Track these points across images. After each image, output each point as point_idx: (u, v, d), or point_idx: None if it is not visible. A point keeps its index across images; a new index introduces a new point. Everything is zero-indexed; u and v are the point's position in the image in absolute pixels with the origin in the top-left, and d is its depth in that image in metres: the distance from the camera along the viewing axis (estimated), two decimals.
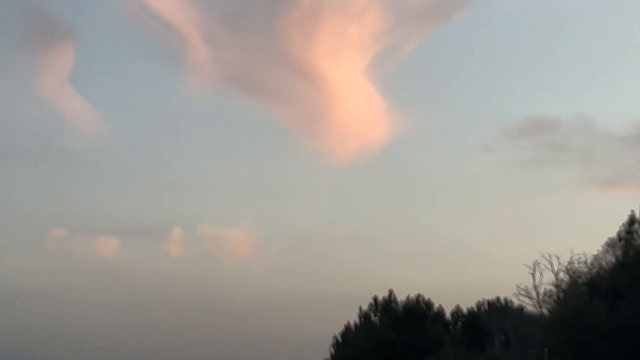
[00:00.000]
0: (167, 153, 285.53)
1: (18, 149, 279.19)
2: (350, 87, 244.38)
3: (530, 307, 72.79)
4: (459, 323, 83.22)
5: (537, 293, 70.13)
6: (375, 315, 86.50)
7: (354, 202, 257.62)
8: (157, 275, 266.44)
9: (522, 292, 71.21)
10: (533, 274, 71.07)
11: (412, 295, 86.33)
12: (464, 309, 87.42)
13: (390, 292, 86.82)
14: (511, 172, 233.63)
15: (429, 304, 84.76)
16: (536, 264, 70.52)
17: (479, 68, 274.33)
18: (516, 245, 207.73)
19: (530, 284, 73.03)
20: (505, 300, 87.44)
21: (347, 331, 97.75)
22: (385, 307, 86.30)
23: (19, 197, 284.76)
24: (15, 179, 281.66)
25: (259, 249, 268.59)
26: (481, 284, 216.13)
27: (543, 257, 70.55)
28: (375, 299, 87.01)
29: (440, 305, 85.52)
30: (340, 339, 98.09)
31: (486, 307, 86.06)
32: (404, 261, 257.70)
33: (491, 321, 76.18)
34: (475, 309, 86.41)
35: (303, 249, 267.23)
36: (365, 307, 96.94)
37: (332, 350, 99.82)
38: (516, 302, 75.49)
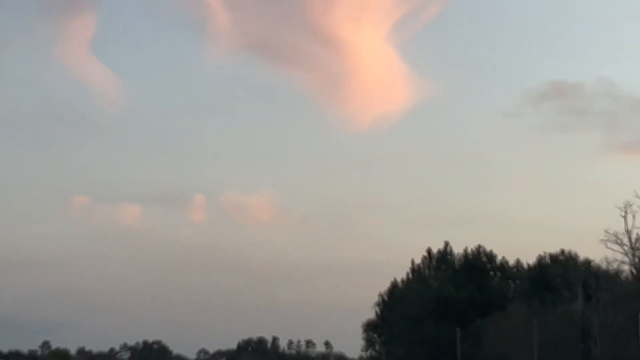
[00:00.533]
0: (188, 120, 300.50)
1: (40, 117, 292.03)
2: (372, 53, 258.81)
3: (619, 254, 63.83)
4: (526, 277, 74.06)
5: (630, 239, 61.30)
6: (429, 269, 77.31)
7: (376, 167, 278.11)
8: (179, 241, 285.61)
9: (611, 239, 62.42)
10: (625, 217, 62.22)
11: (471, 247, 77.02)
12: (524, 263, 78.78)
13: (447, 243, 77.84)
14: (533, 137, 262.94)
15: (490, 257, 75.46)
16: (628, 205, 61.69)
17: (501, 33, 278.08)
18: (539, 209, 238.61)
19: (604, 238, 64.58)
20: (570, 253, 78.80)
21: (393, 289, 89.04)
22: (441, 261, 77.07)
23: (41, 165, 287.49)
24: (36, 147, 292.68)
25: (280, 215, 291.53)
26: (508, 247, 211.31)
27: (637, 196, 61.94)
28: (429, 251, 77.98)
29: (504, 258, 76.28)
30: (386, 297, 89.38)
31: (548, 260, 77.25)
32: (427, 227, 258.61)
33: (568, 274, 67.46)
34: (536, 263, 77.76)
35: (324, 215, 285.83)
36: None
37: (377, 310, 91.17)
38: (602, 250, 66.74)
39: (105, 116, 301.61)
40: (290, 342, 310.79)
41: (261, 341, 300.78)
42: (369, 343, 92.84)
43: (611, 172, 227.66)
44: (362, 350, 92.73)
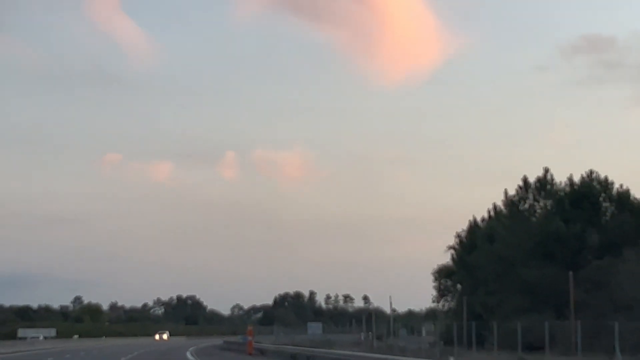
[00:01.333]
0: (219, 77, 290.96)
1: (72, 74, 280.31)
2: (402, 7, 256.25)
3: None
4: None
5: None
6: (524, 201, 63.00)
7: (407, 123, 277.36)
8: (210, 198, 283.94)
9: None
10: None
11: (581, 173, 62.43)
12: None
13: (546, 170, 63.54)
14: (566, 91, 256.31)
15: (605, 185, 60.98)
16: None
17: None
18: (572, 163, 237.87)
19: None
20: None
21: (473, 229, 74.93)
22: (541, 190, 62.64)
23: (73, 123, 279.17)
24: (69, 105, 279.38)
25: (311, 171, 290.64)
26: None
27: None
28: (524, 180, 63.51)
29: (621, 186, 61.74)
30: (464, 239, 75.28)
31: None
32: (458, 182, 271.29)
33: None
34: None
35: (355, 171, 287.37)
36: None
37: (454, 254, 77.17)
38: None
39: (136, 73, 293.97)
40: (328, 297, 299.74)
41: (298, 296, 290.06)
42: (442, 293, 78.77)
43: None
44: (434, 302, 78.79)
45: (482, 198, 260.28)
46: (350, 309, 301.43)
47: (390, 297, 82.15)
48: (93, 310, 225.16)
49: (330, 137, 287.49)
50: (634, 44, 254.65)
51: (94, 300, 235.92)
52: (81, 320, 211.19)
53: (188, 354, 76.14)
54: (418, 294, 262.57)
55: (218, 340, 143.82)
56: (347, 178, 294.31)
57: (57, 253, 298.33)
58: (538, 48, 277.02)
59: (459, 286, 76.94)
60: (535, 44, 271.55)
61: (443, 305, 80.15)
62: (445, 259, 78.67)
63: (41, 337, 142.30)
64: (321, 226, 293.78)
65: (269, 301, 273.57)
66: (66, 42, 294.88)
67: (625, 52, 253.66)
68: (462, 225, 75.72)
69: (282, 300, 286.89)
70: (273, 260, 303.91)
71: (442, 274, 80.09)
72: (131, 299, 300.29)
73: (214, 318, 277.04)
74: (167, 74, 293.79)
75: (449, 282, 78.89)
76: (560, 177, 63.26)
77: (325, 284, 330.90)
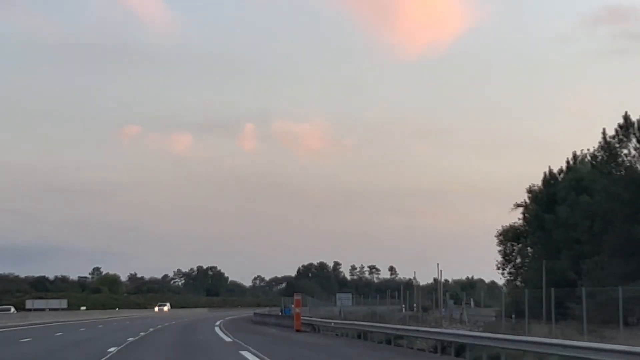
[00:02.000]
0: (239, 49, 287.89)
1: (92, 46, 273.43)
2: None
3: None
4: None
5: None
6: (622, 142, 50.79)
7: (427, 94, 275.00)
8: (231, 170, 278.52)
9: None
10: None
11: None
12: None
13: None
14: (587, 61, 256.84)
15: None
16: None
17: None
18: (595, 136, 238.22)
19: None
20: None
21: (549, 182, 62.89)
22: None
23: (93, 94, 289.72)
24: (89, 76, 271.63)
25: (331, 143, 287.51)
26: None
27: None
28: (626, 118, 51.13)
29: None
30: (539, 194, 63.16)
31: None
32: (479, 153, 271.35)
33: None
34: None
35: (376, 143, 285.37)
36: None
37: (526, 213, 65.12)
38: None
39: (155, 45, 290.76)
40: (353, 268, 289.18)
41: (322, 266, 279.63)
42: (508, 259, 66.74)
43: None
44: (498, 268, 66.74)
45: (507, 168, 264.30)
46: (375, 280, 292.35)
47: (438, 264, 68.44)
48: (111, 281, 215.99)
49: (350, 109, 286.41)
50: None
51: (113, 272, 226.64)
52: (99, 291, 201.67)
53: (217, 330, 64.33)
54: (448, 265, 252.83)
55: (245, 313, 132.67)
56: (368, 150, 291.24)
57: (78, 224, 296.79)
58: (560, 18, 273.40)
59: (529, 250, 64.93)
60: (556, 14, 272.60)
61: (510, 273, 67.91)
62: (499, 223, 66.80)
63: (12, 310, 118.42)
64: (342, 198, 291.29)
65: (292, 272, 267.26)
66: (86, 14, 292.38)
67: None
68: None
69: (306, 271, 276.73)
70: (294, 231, 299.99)
71: (509, 237, 67.99)
72: (151, 270, 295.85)
73: (236, 289, 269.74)
74: (186, 46, 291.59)
75: (516, 246, 66.80)
76: None
77: (348, 256, 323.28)
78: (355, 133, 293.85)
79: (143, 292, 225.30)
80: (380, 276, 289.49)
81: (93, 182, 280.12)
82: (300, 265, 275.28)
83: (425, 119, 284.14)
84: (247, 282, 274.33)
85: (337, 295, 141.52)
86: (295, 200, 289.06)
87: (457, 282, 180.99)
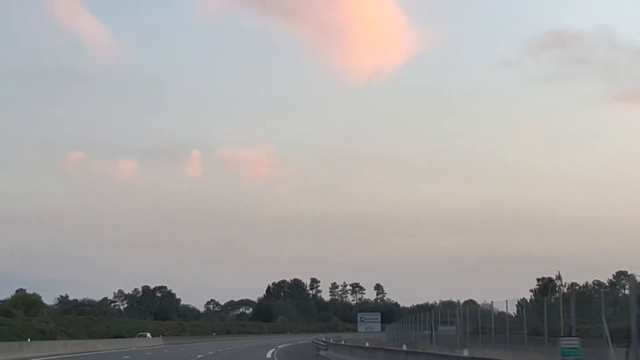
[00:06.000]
0: (183, 73, 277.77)
1: (34, 71, 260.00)
2: (370, 3, 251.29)
3: None
4: None
5: None
6: None
7: (374, 120, 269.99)
8: (177, 196, 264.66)
9: None
10: None
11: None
12: None
13: None
14: (533, 87, 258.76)
15: None
16: None
17: None
18: (542, 159, 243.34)
19: None
20: None
21: None
22: None
23: (36, 120, 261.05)
24: (31, 102, 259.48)
25: (278, 169, 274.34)
26: (513, 198, 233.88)
27: None
28: None
29: None
30: None
31: None
32: (426, 179, 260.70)
33: None
34: None
35: (323, 168, 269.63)
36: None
37: None
38: None
39: (99, 71, 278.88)
40: (334, 286, 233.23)
41: (297, 284, 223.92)
42: None
43: (612, 121, 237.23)
44: None
45: (451, 193, 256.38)
46: (357, 301, 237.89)
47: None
48: (29, 302, 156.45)
49: (297, 134, 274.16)
50: (600, 39, 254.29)
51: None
52: (11, 314, 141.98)
53: None
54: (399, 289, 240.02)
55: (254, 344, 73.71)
56: (315, 175, 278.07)
57: (22, 252, 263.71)
58: (505, 44, 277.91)
59: None
60: (502, 39, 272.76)
61: None
62: None
63: None
64: (290, 223, 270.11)
65: (248, 295, 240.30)
66: (28, 39, 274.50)
67: (592, 47, 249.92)
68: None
69: (278, 290, 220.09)
70: (244, 257, 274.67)
71: None
72: (90, 294, 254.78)
73: (189, 314, 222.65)
74: (131, 71, 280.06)
75: None
76: None
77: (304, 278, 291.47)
78: (301, 158, 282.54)
79: (73, 315, 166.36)
80: (366, 296, 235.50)
81: (36, 209, 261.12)
82: (271, 283, 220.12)
83: (372, 145, 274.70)
84: (200, 307, 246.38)
85: (360, 316, 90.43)
86: (243, 226, 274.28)
87: None
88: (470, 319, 63.83)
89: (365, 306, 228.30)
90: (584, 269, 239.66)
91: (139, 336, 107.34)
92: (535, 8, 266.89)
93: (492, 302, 57.45)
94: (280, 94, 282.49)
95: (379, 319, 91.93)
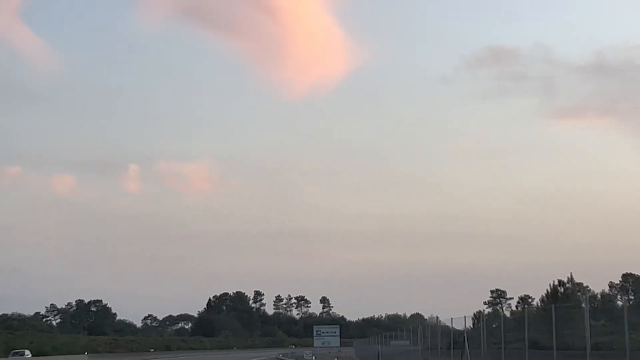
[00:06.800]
0: (122, 87, 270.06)
1: None
2: (309, 18, 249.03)
3: None
4: None
5: None
6: None
7: (313, 134, 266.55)
8: (114, 211, 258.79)
9: None
10: None
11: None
12: None
13: None
14: (471, 102, 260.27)
15: None
16: None
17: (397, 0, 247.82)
18: (481, 175, 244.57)
19: None
20: None
21: None
22: None
23: None
24: None
25: (218, 183, 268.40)
26: (452, 212, 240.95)
27: None
28: None
29: None
30: None
31: None
32: (366, 193, 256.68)
33: None
34: None
35: (262, 183, 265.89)
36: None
37: None
38: None
39: (36, 84, 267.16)
40: (279, 299, 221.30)
41: (240, 297, 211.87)
42: None
43: (549, 137, 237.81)
44: None
45: (393, 208, 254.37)
46: (302, 314, 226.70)
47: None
48: None
49: (237, 149, 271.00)
50: (536, 56, 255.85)
51: None
52: None
53: None
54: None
55: None
56: (256, 190, 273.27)
57: None
58: (443, 60, 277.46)
59: None
60: (440, 55, 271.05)
61: None
62: None
63: None
64: (229, 238, 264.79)
65: (186, 310, 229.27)
66: None
67: (529, 64, 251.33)
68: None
69: (219, 303, 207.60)
70: (184, 271, 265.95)
71: None
72: (22, 308, 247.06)
73: (126, 329, 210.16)
74: (68, 84, 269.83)
75: None
76: None
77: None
78: (241, 173, 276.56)
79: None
80: (311, 310, 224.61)
81: None
82: (212, 296, 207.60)
83: (312, 159, 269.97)
84: (138, 322, 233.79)
85: (316, 329, 79.88)
86: (183, 240, 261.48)
87: None
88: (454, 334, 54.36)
89: (310, 320, 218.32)
90: (530, 282, 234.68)
91: (14, 355, 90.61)
92: (472, 25, 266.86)
93: (451, 318, 53.10)
94: (220, 108, 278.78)
95: (338, 333, 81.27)
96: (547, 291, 55.82)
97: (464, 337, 50.59)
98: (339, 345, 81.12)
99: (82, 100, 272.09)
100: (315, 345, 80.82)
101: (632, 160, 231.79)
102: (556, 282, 55.34)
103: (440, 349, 59.30)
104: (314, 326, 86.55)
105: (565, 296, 53.82)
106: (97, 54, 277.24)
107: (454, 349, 50.82)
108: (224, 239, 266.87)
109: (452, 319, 56.77)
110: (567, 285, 54.77)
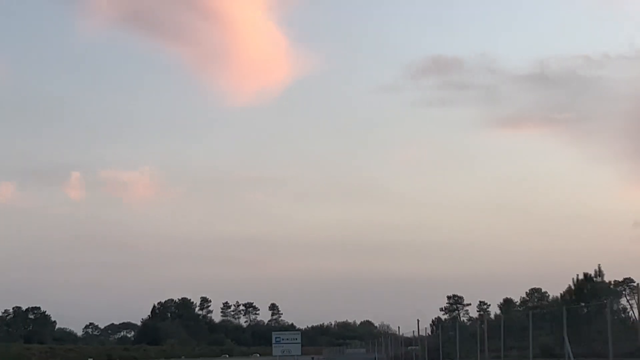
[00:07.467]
0: (64, 94, 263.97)
1: None
2: (252, 26, 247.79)
3: None
4: None
5: None
6: None
7: (258, 142, 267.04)
8: (56, 218, 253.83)
9: None
10: None
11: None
12: None
13: None
14: (415, 112, 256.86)
15: None
16: None
17: (382, 7, 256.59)
18: (424, 183, 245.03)
19: None
20: None
21: None
22: None
23: None
24: None
25: (162, 191, 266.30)
26: (397, 221, 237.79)
27: None
28: None
29: None
30: None
31: None
32: (309, 201, 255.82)
33: None
34: None
35: (207, 191, 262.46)
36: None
37: None
38: None
39: None
40: (226, 306, 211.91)
41: (185, 304, 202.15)
42: None
43: (492, 146, 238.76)
44: None
45: (338, 215, 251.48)
46: (250, 322, 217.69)
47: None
48: None
49: (180, 156, 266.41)
50: (480, 65, 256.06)
51: None
52: None
53: None
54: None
55: None
56: (201, 197, 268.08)
57: None
58: (387, 69, 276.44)
59: None
60: (384, 64, 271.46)
61: None
62: None
63: None
64: (174, 246, 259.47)
65: (130, 319, 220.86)
66: None
67: (472, 73, 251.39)
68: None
69: (164, 310, 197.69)
70: (127, 280, 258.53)
71: None
72: None
73: (66, 338, 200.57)
74: (9, 91, 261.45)
75: None
76: None
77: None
78: (186, 181, 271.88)
79: None
80: (260, 317, 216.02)
81: None
82: (156, 303, 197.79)
83: (256, 167, 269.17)
84: (79, 331, 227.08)
85: (275, 336, 71.21)
86: (126, 248, 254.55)
87: None
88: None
89: (258, 328, 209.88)
90: (484, 288, 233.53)
91: None
92: (416, 34, 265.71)
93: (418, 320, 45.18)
94: (164, 116, 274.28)
95: (299, 340, 72.76)
96: (570, 287, 48.01)
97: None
98: (300, 353, 72.41)
99: (23, 107, 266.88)
100: (274, 353, 72.12)
101: (571, 170, 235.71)
102: (581, 277, 47.35)
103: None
104: (273, 333, 77.92)
105: (592, 293, 45.87)
106: (39, 61, 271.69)
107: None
108: (169, 246, 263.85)
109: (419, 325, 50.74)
110: (597, 279, 46.71)
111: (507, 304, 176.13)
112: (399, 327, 42.13)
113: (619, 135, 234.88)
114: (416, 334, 58.29)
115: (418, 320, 43.98)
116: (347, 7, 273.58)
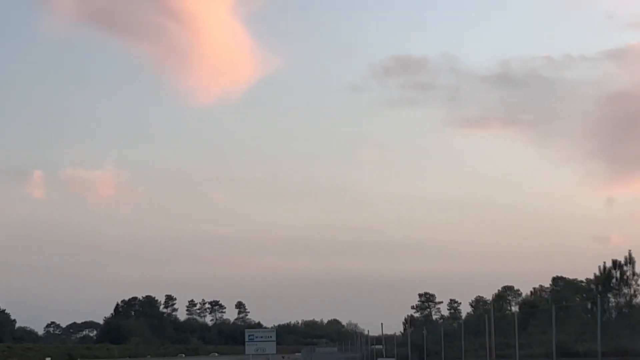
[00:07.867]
0: (27, 92, 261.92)
1: None
2: (217, 26, 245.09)
3: None
4: None
5: None
6: None
7: (222, 142, 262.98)
8: (17, 217, 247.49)
9: None
10: None
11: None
12: None
13: None
14: (379, 111, 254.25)
15: None
16: None
17: (346, 7, 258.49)
18: (389, 183, 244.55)
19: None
20: None
21: None
22: None
23: None
24: None
25: (126, 191, 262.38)
26: (362, 221, 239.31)
27: None
28: None
29: None
30: None
31: None
32: (274, 201, 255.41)
33: None
34: None
35: (170, 191, 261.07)
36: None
37: None
38: None
39: None
40: (192, 303, 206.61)
41: (150, 302, 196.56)
42: None
43: (455, 146, 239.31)
44: None
45: (303, 215, 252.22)
46: (215, 320, 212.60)
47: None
48: None
49: (145, 156, 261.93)
50: (444, 65, 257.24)
51: None
52: None
53: None
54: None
55: None
56: (161, 198, 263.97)
57: None
58: (351, 68, 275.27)
59: None
60: (348, 64, 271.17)
61: None
62: None
63: None
64: (138, 245, 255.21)
65: (92, 318, 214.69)
66: None
67: (436, 73, 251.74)
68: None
69: (128, 309, 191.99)
70: (89, 280, 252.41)
71: None
72: None
73: (26, 337, 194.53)
74: None
75: None
76: None
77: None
78: (149, 180, 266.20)
79: None
80: (226, 316, 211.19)
81: None
82: (120, 301, 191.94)
83: (220, 167, 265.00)
84: (40, 330, 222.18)
85: (248, 333, 66.75)
86: (89, 248, 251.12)
87: None
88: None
89: (225, 326, 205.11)
90: (455, 286, 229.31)
91: None
92: (380, 34, 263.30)
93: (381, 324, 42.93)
94: (127, 114, 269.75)
95: (274, 338, 68.24)
96: (595, 275, 43.69)
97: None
98: (275, 352, 67.87)
99: None
100: (247, 352, 67.56)
101: (535, 169, 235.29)
102: (609, 265, 42.88)
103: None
104: (246, 330, 73.36)
105: (623, 282, 41.51)
106: (0, 59, 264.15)
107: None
108: (133, 246, 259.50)
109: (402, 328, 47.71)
110: (627, 267, 42.34)
111: (478, 302, 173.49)
112: (368, 330, 39.24)
113: (581, 135, 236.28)
114: (386, 333, 55.53)
115: (382, 324, 41.22)
116: (313, 7, 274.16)
